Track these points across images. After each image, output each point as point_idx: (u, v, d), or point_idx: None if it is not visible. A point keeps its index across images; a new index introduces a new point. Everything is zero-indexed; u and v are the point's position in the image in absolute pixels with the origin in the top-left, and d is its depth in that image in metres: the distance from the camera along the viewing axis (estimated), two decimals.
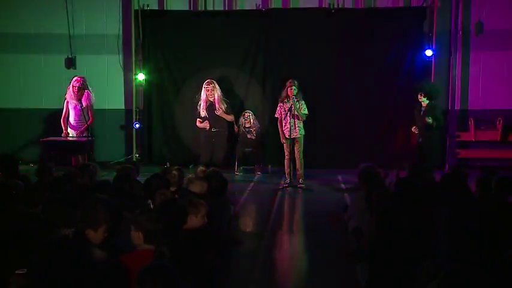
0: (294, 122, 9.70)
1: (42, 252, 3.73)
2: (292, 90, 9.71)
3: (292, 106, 9.63)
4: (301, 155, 9.92)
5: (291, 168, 9.79)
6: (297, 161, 9.90)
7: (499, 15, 11.70)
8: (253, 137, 11.22)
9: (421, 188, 6.33)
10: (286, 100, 9.79)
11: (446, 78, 11.82)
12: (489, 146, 11.73)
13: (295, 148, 9.83)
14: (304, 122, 9.89)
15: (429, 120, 9.75)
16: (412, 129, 10.10)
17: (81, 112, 10.22)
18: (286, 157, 9.83)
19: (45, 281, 3.46)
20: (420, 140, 9.99)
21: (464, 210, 5.03)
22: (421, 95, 10.03)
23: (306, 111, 9.86)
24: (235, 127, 11.17)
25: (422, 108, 10.04)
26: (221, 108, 10.53)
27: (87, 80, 10.58)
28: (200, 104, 10.60)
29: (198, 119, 10.67)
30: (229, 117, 10.79)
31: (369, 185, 6.27)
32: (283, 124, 9.83)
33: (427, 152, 10.04)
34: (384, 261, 4.36)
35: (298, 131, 9.81)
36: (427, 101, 10.02)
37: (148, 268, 3.04)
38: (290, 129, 9.64)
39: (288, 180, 9.79)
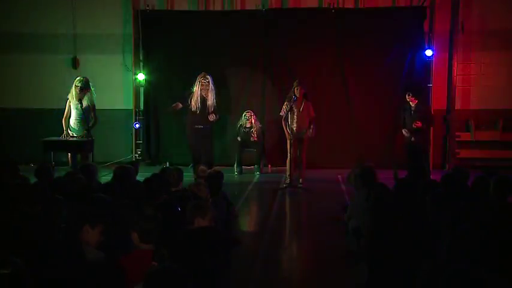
0: (303, 119, 9.71)
1: (40, 252, 3.73)
2: (299, 90, 9.68)
3: (293, 106, 9.63)
4: (305, 155, 9.89)
5: (292, 168, 9.78)
6: (300, 161, 9.87)
7: (499, 15, 11.70)
8: (255, 138, 11.21)
9: (420, 188, 6.33)
10: (293, 99, 9.73)
11: (446, 78, 11.82)
12: (489, 146, 11.73)
13: (300, 147, 9.79)
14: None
15: (418, 124, 9.68)
16: (404, 132, 9.97)
17: (81, 112, 10.22)
18: (289, 157, 9.80)
19: (42, 280, 3.46)
20: (413, 139, 9.87)
21: (465, 210, 5.03)
22: (409, 95, 9.96)
23: (313, 113, 9.85)
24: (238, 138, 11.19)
25: (412, 109, 9.96)
26: (212, 107, 10.37)
27: (90, 81, 10.56)
28: (191, 97, 10.39)
29: (178, 103, 10.49)
30: (216, 117, 10.61)
31: (369, 185, 6.27)
32: (290, 122, 9.75)
33: (424, 150, 9.97)
34: (383, 261, 4.36)
35: (304, 131, 9.75)
36: (416, 101, 9.95)
37: (157, 271, 3.01)
38: (298, 124, 9.62)
39: (288, 181, 9.78)
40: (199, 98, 10.35)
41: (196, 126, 10.32)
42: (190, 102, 10.36)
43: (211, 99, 10.37)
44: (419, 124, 9.66)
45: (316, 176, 10.54)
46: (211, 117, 10.32)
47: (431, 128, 10.75)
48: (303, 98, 9.75)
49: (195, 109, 10.33)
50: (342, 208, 7.54)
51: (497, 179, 5.67)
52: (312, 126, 9.77)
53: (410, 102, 9.91)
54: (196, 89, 10.38)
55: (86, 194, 5.48)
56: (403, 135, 9.96)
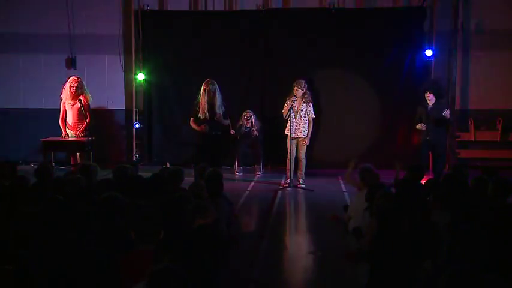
0: (301, 119, 9.67)
1: (41, 251, 3.73)
2: (296, 91, 9.65)
3: (293, 106, 9.62)
4: (304, 155, 9.88)
5: (292, 168, 9.77)
6: (299, 161, 9.88)
7: (499, 15, 11.69)
8: (255, 137, 11.19)
9: (421, 189, 6.34)
10: (292, 99, 9.70)
11: (446, 78, 11.81)
12: (489, 146, 11.72)
13: (298, 148, 9.81)
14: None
15: (447, 112, 9.55)
16: (418, 126, 9.85)
17: (79, 111, 10.24)
18: (288, 157, 9.79)
19: (42, 279, 3.46)
20: (428, 137, 9.77)
21: (465, 210, 5.03)
22: (429, 94, 9.86)
23: (313, 115, 9.82)
24: (232, 131, 11.07)
25: (429, 107, 9.87)
26: (219, 112, 10.31)
27: (84, 80, 10.57)
28: (199, 105, 10.36)
29: (192, 118, 10.45)
30: (226, 122, 10.63)
31: (370, 185, 6.27)
32: (292, 120, 9.73)
33: (441, 149, 9.90)
34: (384, 261, 4.35)
35: (302, 132, 9.77)
36: (434, 100, 9.89)
37: (160, 271, 3.01)
38: (294, 129, 9.62)
39: (288, 180, 9.78)
40: (206, 105, 10.24)
41: (207, 133, 10.24)
42: (198, 111, 10.26)
43: (218, 106, 10.28)
44: (447, 112, 9.51)
45: (316, 176, 10.54)
46: (218, 117, 10.26)
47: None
48: (302, 98, 9.73)
49: (203, 117, 10.23)
50: (342, 208, 7.56)
51: (495, 182, 5.66)
52: (307, 135, 9.74)
53: (429, 101, 9.82)
54: (202, 96, 10.28)
55: (86, 194, 5.49)
56: (406, 135, 9.93)
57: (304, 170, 9.93)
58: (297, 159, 9.87)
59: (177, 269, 3.02)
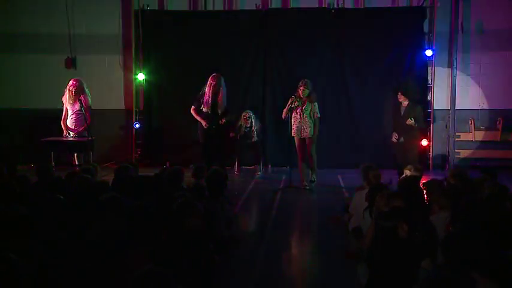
0: (306, 120, 9.62)
1: (40, 251, 3.73)
2: (303, 91, 9.59)
3: (292, 106, 9.58)
4: (314, 151, 9.78)
5: (300, 168, 9.69)
6: (309, 158, 9.76)
7: (499, 15, 11.70)
8: (255, 138, 11.19)
9: (421, 189, 6.33)
10: (292, 100, 9.63)
11: (446, 78, 11.83)
12: (489, 146, 11.73)
13: (307, 147, 9.72)
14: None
15: (411, 121, 9.82)
16: (392, 138, 10.07)
17: (78, 114, 10.24)
18: (299, 157, 9.65)
19: (40, 279, 3.47)
20: (402, 139, 10.00)
21: (464, 210, 5.03)
22: (400, 95, 10.07)
23: (318, 114, 9.76)
24: (231, 133, 11.07)
25: (403, 109, 10.10)
26: (222, 108, 10.36)
27: (84, 82, 10.56)
28: (203, 98, 10.33)
29: (193, 107, 10.50)
30: (228, 118, 10.68)
31: (371, 185, 6.27)
32: (293, 122, 9.70)
33: (411, 151, 10.05)
34: (384, 262, 4.36)
35: (309, 131, 9.68)
36: (407, 101, 10.09)
37: (143, 274, 2.99)
38: (300, 129, 9.57)
39: (305, 183, 9.64)
40: (210, 100, 10.27)
41: (208, 127, 10.24)
42: (202, 103, 10.29)
43: (221, 101, 10.29)
44: (411, 121, 9.72)
45: (317, 175, 10.52)
46: (223, 122, 10.31)
47: (426, 128, 10.83)
48: (308, 98, 9.63)
49: (206, 110, 10.28)
50: (342, 208, 7.56)
51: (490, 186, 5.64)
52: (314, 134, 9.68)
53: (401, 102, 9.99)
54: (208, 90, 10.30)
55: (86, 195, 5.49)
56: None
57: (315, 166, 9.85)
58: (307, 157, 9.78)
59: (161, 272, 3.00)
